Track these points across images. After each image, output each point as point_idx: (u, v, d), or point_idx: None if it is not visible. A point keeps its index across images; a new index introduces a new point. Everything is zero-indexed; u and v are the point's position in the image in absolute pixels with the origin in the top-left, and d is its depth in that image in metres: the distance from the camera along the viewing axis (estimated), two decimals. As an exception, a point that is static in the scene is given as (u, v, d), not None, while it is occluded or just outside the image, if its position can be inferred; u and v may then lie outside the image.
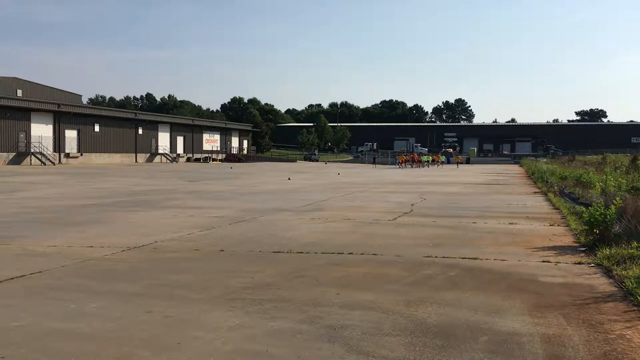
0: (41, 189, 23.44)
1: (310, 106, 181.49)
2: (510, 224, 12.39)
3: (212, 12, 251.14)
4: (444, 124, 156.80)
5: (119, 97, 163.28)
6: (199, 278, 6.96)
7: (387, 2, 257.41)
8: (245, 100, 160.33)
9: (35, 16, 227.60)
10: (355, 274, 7.26)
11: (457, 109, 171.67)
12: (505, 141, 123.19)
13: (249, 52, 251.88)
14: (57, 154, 58.63)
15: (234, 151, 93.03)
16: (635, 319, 5.32)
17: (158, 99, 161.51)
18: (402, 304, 5.78)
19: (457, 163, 74.33)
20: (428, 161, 72.14)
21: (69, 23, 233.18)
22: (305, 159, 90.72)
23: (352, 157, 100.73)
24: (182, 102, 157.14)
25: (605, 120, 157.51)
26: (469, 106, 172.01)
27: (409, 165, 66.67)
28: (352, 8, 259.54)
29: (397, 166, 66.66)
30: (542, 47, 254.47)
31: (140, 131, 71.52)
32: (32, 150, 55.44)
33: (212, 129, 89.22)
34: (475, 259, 8.21)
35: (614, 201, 9.92)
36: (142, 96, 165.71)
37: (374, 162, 76.80)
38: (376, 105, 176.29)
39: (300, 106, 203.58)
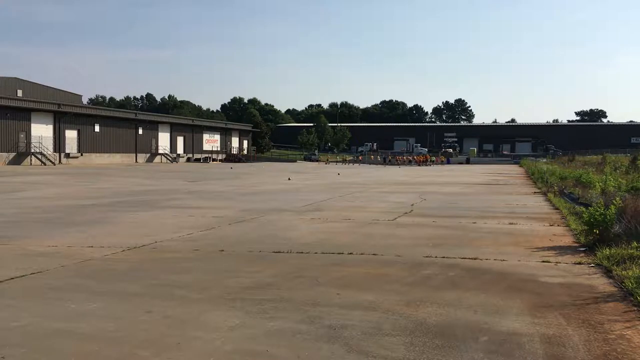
0: (41, 189, 23.44)
1: (310, 106, 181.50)
2: (510, 224, 12.39)
3: (212, 12, 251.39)
4: (444, 124, 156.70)
5: (119, 97, 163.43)
6: (199, 278, 6.97)
7: (387, 2, 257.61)
8: (245, 100, 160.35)
9: (35, 16, 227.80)
10: (355, 274, 7.26)
11: (457, 109, 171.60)
12: (505, 141, 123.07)
13: (249, 52, 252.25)
14: (57, 154, 58.61)
15: (234, 151, 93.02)
16: (635, 319, 5.32)
17: (158, 99, 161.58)
18: (402, 304, 5.78)
19: (441, 162, 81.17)
20: (433, 161, 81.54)
21: (69, 23, 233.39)
22: (305, 159, 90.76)
23: (352, 157, 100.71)
24: (182, 102, 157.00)
25: (605, 120, 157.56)
26: (469, 106, 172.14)
27: (432, 164, 76.31)
28: (352, 8, 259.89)
29: (417, 165, 73.76)
30: (542, 47, 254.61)
31: (140, 131, 71.49)
32: (32, 151, 55.41)
33: (212, 129, 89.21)
34: (475, 259, 8.21)
35: (614, 201, 9.92)
36: (142, 96, 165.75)
37: (384, 162, 79.79)
38: (376, 105, 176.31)
39: (300, 106, 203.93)
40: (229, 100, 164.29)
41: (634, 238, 8.50)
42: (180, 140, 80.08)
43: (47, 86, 71.27)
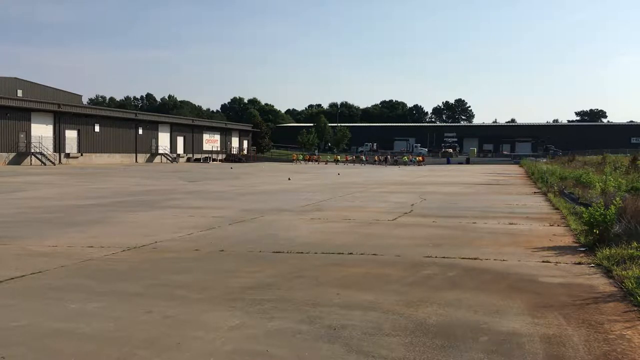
0: (41, 189, 23.44)
1: (310, 106, 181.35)
2: (510, 224, 12.39)
3: (212, 12, 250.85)
4: (444, 124, 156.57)
5: (119, 97, 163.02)
6: (199, 278, 6.97)
7: (387, 2, 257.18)
8: (246, 101, 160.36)
9: (35, 16, 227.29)
10: (355, 274, 7.27)
11: (457, 109, 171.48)
12: (505, 141, 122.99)
13: (249, 52, 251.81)
14: (57, 154, 58.62)
15: (234, 151, 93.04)
16: (635, 319, 5.32)
17: (158, 99, 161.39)
18: (402, 304, 5.78)
19: (419, 162, 76.89)
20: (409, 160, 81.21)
21: (69, 23, 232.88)
22: (303, 159, 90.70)
23: (352, 157, 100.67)
24: (182, 102, 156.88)
25: (605, 120, 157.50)
26: (469, 106, 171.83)
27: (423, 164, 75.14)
28: (352, 8, 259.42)
29: (417, 165, 73.52)
30: (542, 47, 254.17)
31: (140, 131, 71.51)
32: (32, 151, 55.42)
33: (212, 129, 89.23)
34: (475, 259, 8.21)
35: (614, 201, 9.91)
36: (142, 96, 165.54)
37: (385, 162, 79.10)
38: (376, 105, 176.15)
39: (300, 106, 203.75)
40: (229, 100, 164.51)
41: (634, 238, 8.51)
42: (180, 140, 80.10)
43: (47, 86, 71.33)
